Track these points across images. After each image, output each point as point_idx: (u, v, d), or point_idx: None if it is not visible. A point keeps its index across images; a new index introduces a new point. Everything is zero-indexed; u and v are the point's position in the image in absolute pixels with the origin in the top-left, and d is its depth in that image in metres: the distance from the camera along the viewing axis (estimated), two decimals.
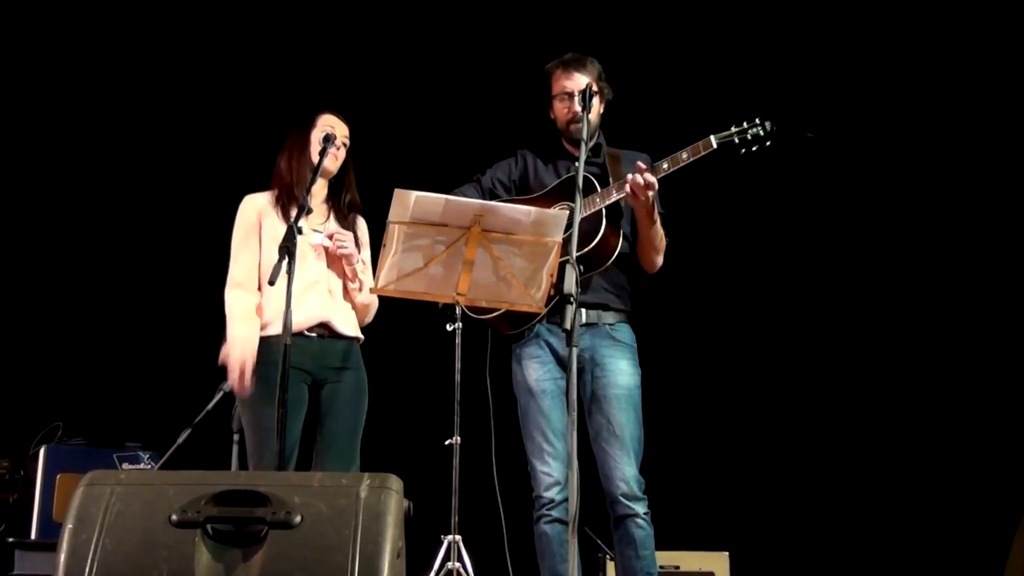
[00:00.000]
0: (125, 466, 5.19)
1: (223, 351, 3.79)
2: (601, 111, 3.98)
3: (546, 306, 3.58)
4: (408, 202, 3.32)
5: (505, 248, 3.41)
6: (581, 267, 3.43)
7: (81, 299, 6.21)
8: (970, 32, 5.86)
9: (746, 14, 6.08)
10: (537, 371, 3.80)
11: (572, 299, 3.00)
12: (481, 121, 6.13)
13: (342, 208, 4.03)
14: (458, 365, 4.43)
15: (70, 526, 2.32)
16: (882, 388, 5.90)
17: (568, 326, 2.94)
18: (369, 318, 4.05)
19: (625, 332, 3.88)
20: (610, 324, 3.85)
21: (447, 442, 4.52)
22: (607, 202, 3.75)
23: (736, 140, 3.71)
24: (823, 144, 3.86)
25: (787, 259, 6.04)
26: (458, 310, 4.23)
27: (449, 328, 4.50)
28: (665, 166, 3.69)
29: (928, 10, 5.88)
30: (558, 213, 3.43)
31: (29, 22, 6.20)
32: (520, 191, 4.00)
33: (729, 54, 6.07)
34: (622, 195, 3.71)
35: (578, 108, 3.85)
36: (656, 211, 3.77)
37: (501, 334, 3.94)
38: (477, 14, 6.24)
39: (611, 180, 3.83)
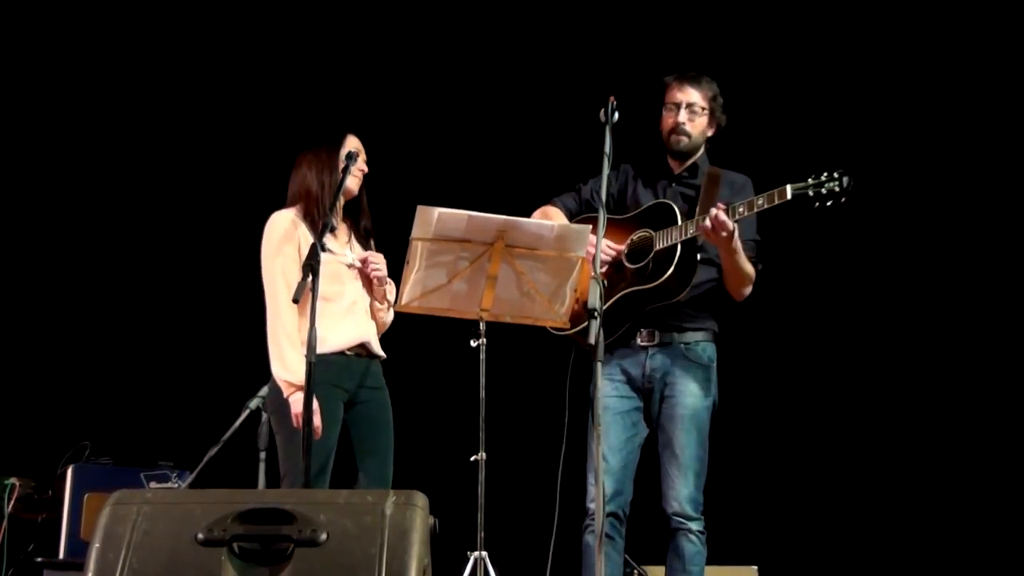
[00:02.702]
0: (152, 485, 5.20)
1: (292, 384, 3.74)
2: (709, 133, 3.97)
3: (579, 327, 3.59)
4: (431, 218, 3.34)
5: (529, 263, 3.42)
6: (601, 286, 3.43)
7: (108, 319, 6.25)
8: None
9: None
10: (606, 388, 3.79)
11: (596, 314, 2.99)
12: (502, 138, 6.14)
13: (360, 231, 4.04)
14: (483, 381, 4.42)
15: (97, 545, 2.32)
16: (911, 401, 5.85)
17: (592, 340, 2.94)
18: (381, 334, 4.08)
19: (701, 352, 3.85)
20: (685, 344, 3.83)
21: (472, 458, 4.51)
22: (684, 237, 3.73)
23: (810, 193, 3.66)
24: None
25: (814, 278, 6.01)
26: (482, 326, 4.22)
27: (473, 344, 4.50)
28: (741, 209, 3.67)
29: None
30: (581, 228, 3.43)
31: (50, 41, 6.28)
32: (618, 205, 3.98)
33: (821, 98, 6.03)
34: (697, 233, 3.70)
35: (680, 119, 3.88)
36: (736, 248, 3.71)
37: (584, 351, 3.94)
38: (499, 24, 6.26)
39: (699, 201, 3.82)
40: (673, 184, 3.96)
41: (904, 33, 5.97)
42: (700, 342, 3.87)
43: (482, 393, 4.43)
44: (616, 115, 3.62)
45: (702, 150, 4.00)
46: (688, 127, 3.90)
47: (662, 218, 3.82)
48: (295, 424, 3.68)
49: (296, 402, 3.70)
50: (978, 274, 5.85)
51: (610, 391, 3.79)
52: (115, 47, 6.28)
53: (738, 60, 5.97)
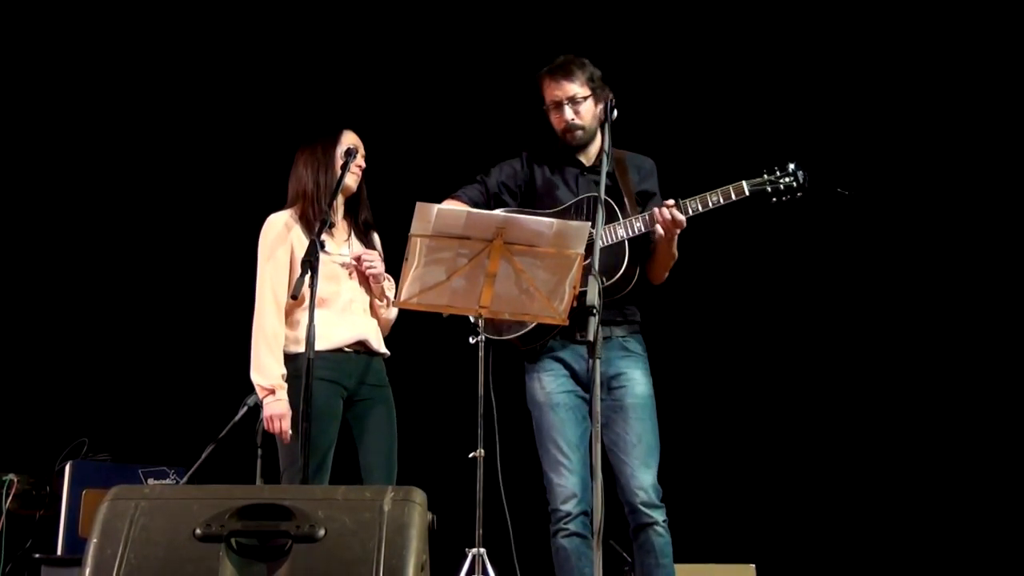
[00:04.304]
0: (150, 481, 5.20)
1: (263, 388, 3.77)
2: (598, 113, 3.90)
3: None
4: (430, 215, 3.33)
5: (528, 260, 3.41)
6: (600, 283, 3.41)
7: (107, 315, 6.25)
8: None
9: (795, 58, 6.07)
10: (550, 384, 3.79)
11: (595, 311, 2.99)
12: (488, 125, 6.13)
13: (359, 226, 4.05)
14: (481, 378, 4.42)
15: (95, 541, 2.33)
16: (907, 398, 5.85)
17: (591, 338, 2.93)
18: (386, 332, 4.08)
19: (637, 343, 3.87)
20: (622, 337, 3.83)
21: (471, 455, 4.51)
22: (631, 235, 3.73)
23: (768, 189, 3.68)
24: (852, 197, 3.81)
25: (806, 264, 6.01)
26: (480, 323, 4.22)
27: (472, 341, 4.50)
28: (695, 206, 3.67)
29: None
30: (580, 224, 3.42)
31: (49, 40, 6.27)
32: (526, 197, 3.96)
33: (769, 93, 6.05)
34: (649, 229, 3.70)
35: (567, 116, 3.84)
36: (676, 239, 3.75)
37: (514, 350, 3.94)
38: (483, 21, 6.26)
39: (622, 191, 3.82)
40: (585, 173, 3.93)
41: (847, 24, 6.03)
42: (634, 335, 3.88)
43: (481, 390, 4.43)
44: (615, 112, 3.61)
45: (598, 132, 3.94)
46: (578, 120, 3.86)
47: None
48: (266, 427, 3.74)
49: (269, 406, 3.74)
50: (960, 262, 5.88)
51: (556, 387, 3.78)
52: (113, 46, 6.27)
53: (685, 53, 6.06)
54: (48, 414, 5.84)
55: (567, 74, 3.86)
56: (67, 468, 5.13)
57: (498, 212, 3.62)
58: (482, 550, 4.37)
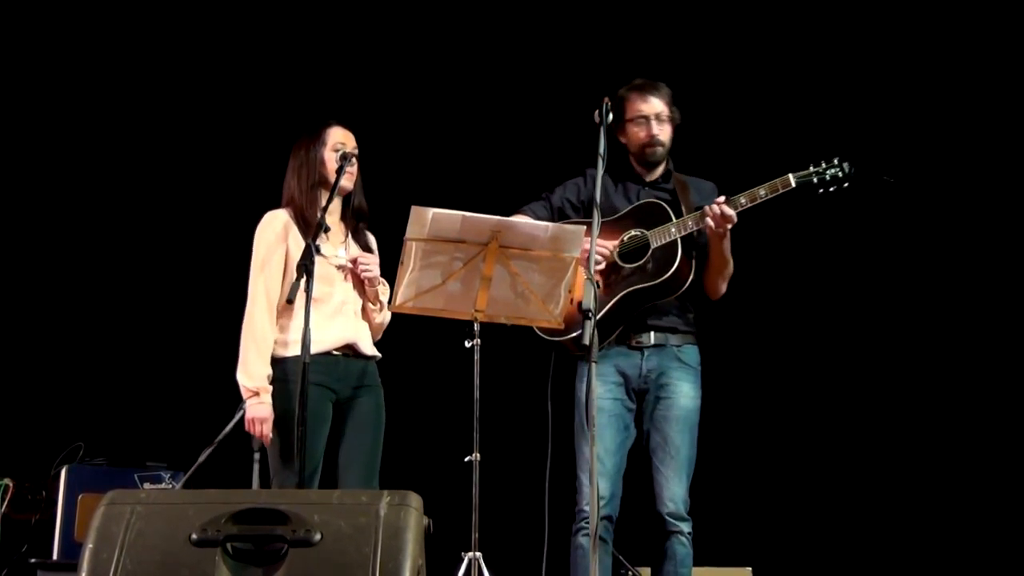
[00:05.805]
0: (146, 486, 5.19)
1: (248, 389, 3.77)
2: (670, 136, 4.00)
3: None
4: (425, 219, 3.34)
5: (523, 264, 3.42)
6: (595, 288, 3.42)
7: (103, 319, 6.24)
8: None
9: (827, 51, 6.06)
10: (599, 389, 3.79)
11: (591, 315, 3.00)
12: (492, 132, 6.14)
13: (352, 217, 4.02)
14: (477, 382, 4.42)
15: (90, 545, 2.33)
16: (903, 399, 5.85)
17: (586, 341, 2.94)
18: (379, 336, 4.07)
19: (691, 354, 3.91)
20: (677, 346, 3.87)
21: (467, 459, 4.51)
22: (683, 233, 3.77)
23: (815, 180, 3.75)
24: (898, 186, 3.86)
25: (807, 275, 6.01)
26: (476, 326, 4.22)
27: (468, 345, 4.50)
28: (743, 201, 3.73)
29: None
30: (576, 228, 3.43)
31: (45, 38, 6.27)
32: (588, 212, 3.98)
33: (808, 90, 6.04)
34: (700, 226, 3.75)
35: (654, 131, 3.91)
36: (729, 241, 3.81)
37: (570, 355, 3.94)
38: (492, 24, 6.26)
39: (682, 208, 3.86)
40: (647, 188, 3.99)
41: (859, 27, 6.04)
42: (689, 345, 3.92)
43: (476, 394, 4.43)
44: (611, 116, 3.62)
45: (667, 156, 4.03)
46: (661, 136, 3.93)
47: (653, 217, 3.84)
48: (246, 428, 3.74)
49: (252, 407, 3.73)
50: (967, 267, 5.87)
51: (603, 393, 3.78)
52: (105, 44, 6.27)
53: (714, 61, 6.03)
54: (44, 418, 5.83)
55: (657, 91, 3.95)
56: (63, 472, 5.12)
57: (493, 216, 3.62)
58: (478, 554, 4.36)
